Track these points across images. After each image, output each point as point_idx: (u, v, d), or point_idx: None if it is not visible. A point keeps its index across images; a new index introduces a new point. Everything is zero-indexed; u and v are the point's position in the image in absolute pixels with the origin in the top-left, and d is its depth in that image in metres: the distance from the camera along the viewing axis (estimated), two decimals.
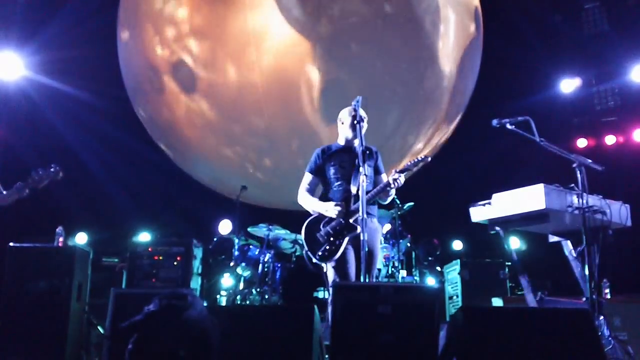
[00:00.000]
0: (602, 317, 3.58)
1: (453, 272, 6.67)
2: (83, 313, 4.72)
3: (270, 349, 2.88)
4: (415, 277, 6.79)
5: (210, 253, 6.72)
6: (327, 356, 3.09)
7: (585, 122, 9.26)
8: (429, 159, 4.10)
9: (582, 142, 9.08)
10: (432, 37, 7.19)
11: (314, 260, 4.01)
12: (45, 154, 7.11)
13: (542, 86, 8.90)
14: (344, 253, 3.95)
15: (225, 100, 7.18)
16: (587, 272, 3.68)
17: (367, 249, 3.66)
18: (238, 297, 6.24)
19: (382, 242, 6.25)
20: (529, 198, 3.78)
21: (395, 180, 3.97)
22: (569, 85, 8.99)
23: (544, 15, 8.94)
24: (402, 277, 6.33)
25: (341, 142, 4.35)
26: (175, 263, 5.21)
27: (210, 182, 8.52)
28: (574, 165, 3.82)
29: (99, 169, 8.26)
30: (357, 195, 3.88)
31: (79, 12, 7.66)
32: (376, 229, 4.20)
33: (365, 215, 3.67)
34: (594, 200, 3.82)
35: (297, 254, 6.69)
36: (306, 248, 4.07)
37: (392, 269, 6.25)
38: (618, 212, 3.94)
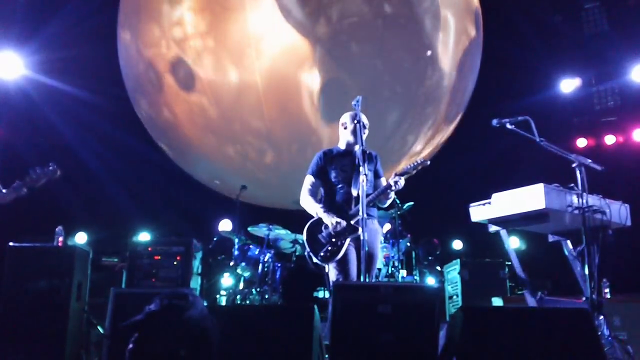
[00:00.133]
0: (601, 317, 3.58)
1: (453, 271, 6.67)
2: (83, 313, 4.72)
3: (270, 349, 2.88)
4: (415, 277, 6.79)
5: (210, 253, 6.71)
6: (327, 356, 3.10)
7: (585, 122, 9.27)
8: (428, 162, 4.12)
9: (581, 142, 9.09)
10: (432, 37, 7.19)
11: (315, 261, 4.03)
12: (45, 154, 7.11)
13: (542, 86, 8.91)
14: (346, 253, 3.98)
15: (225, 100, 7.18)
16: (586, 271, 3.68)
17: (367, 249, 3.68)
18: (238, 296, 6.24)
19: (382, 241, 6.25)
20: (528, 198, 3.78)
21: (395, 182, 3.99)
22: (568, 85, 9.00)
23: (544, 15, 8.95)
24: (402, 277, 6.33)
25: (342, 146, 4.38)
26: (175, 263, 5.20)
27: (210, 181, 8.52)
28: (574, 165, 3.83)
29: (98, 169, 8.26)
30: (358, 197, 3.90)
31: (79, 12, 7.66)
32: (376, 230, 4.24)
33: (365, 215, 3.69)
34: (593, 200, 3.82)
35: (297, 253, 6.69)
36: (308, 249, 4.09)
37: (392, 269, 6.25)
38: (618, 211, 3.94)
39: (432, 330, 2.92)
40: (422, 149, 8.13)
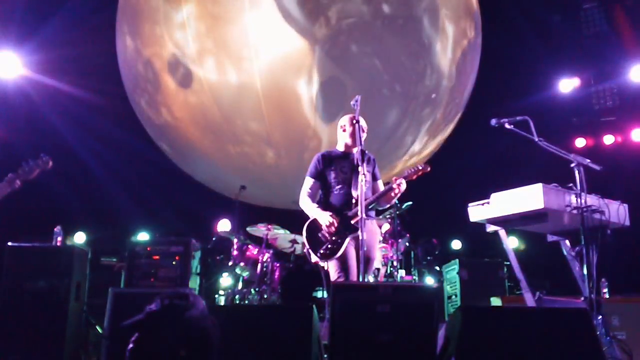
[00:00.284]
0: (600, 317, 3.58)
1: (452, 271, 6.68)
2: (81, 312, 4.72)
3: (269, 349, 2.89)
4: (414, 277, 6.79)
5: (209, 252, 6.71)
6: (325, 355, 3.10)
7: (583, 122, 9.27)
8: (429, 168, 4.16)
9: (580, 142, 9.09)
10: (431, 37, 7.20)
11: (315, 259, 4.05)
12: (44, 153, 7.09)
13: (540, 86, 8.91)
14: (346, 251, 4.00)
15: (224, 100, 7.18)
16: (585, 271, 3.68)
17: (365, 249, 3.68)
18: (237, 296, 6.24)
19: (381, 242, 6.25)
20: (527, 198, 3.78)
21: (399, 184, 4.02)
22: (567, 85, 9.00)
23: (542, 15, 8.95)
24: (401, 277, 6.33)
25: (340, 148, 4.42)
26: (173, 262, 5.20)
27: (209, 181, 8.51)
28: (573, 164, 3.83)
29: (97, 168, 8.25)
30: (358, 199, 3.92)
31: (78, 11, 7.65)
32: (375, 231, 4.28)
33: (364, 215, 3.70)
34: (592, 199, 3.82)
35: (296, 253, 6.69)
36: (307, 246, 4.11)
37: (391, 269, 6.25)
38: (616, 211, 3.95)
39: (431, 330, 2.92)
40: (421, 149, 8.13)
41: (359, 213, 3.73)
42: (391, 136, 7.54)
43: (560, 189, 3.81)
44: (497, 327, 2.92)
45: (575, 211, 3.74)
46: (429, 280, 6.98)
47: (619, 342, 3.72)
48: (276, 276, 6.38)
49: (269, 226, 6.38)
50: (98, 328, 4.71)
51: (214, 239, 6.86)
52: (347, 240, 4.00)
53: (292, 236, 6.48)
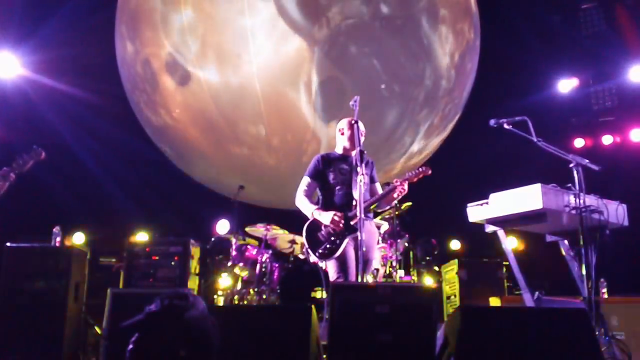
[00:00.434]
0: (599, 317, 3.59)
1: (451, 271, 6.68)
2: (80, 313, 4.72)
3: (268, 349, 2.88)
4: (413, 277, 6.79)
5: (208, 253, 6.71)
6: (324, 356, 3.10)
7: (582, 122, 9.27)
8: (430, 171, 4.16)
9: (579, 142, 9.10)
10: (430, 38, 7.20)
11: (314, 259, 4.05)
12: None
13: (539, 86, 8.92)
14: (345, 251, 4.01)
15: (223, 100, 7.18)
16: (584, 271, 3.69)
17: (364, 250, 3.69)
18: (236, 297, 6.23)
19: (380, 242, 6.25)
20: (526, 198, 3.79)
21: (402, 186, 4.04)
22: (566, 85, 9.01)
23: (541, 15, 8.95)
24: (400, 277, 6.33)
25: (339, 150, 4.44)
26: (172, 263, 5.20)
27: (208, 181, 8.51)
28: (572, 165, 3.84)
29: (96, 168, 8.23)
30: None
31: (77, 11, 7.64)
32: (374, 232, 4.30)
33: (363, 215, 3.71)
34: (591, 200, 3.83)
35: (295, 254, 6.68)
36: (307, 246, 4.12)
37: (390, 269, 6.25)
38: (615, 211, 3.96)
39: (430, 330, 2.92)
40: (420, 149, 8.13)
41: (358, 214, 3.74)
42: (390, 137, 7.54)
43: (559, 189, 3.82)
44: (496, 327, 2.92)
45: (574, 211, 3.75)
46: (428, 281, 6.98)
47: (617, 342, 3.72)
48: (275, 276, 6.37)
49: (268, 226, 6.37)
50: (97, 328, 4.71)
51: (213, 239, 6.86)
52: (346, 240, 4.01)
53: (291, 236, 6.48)
